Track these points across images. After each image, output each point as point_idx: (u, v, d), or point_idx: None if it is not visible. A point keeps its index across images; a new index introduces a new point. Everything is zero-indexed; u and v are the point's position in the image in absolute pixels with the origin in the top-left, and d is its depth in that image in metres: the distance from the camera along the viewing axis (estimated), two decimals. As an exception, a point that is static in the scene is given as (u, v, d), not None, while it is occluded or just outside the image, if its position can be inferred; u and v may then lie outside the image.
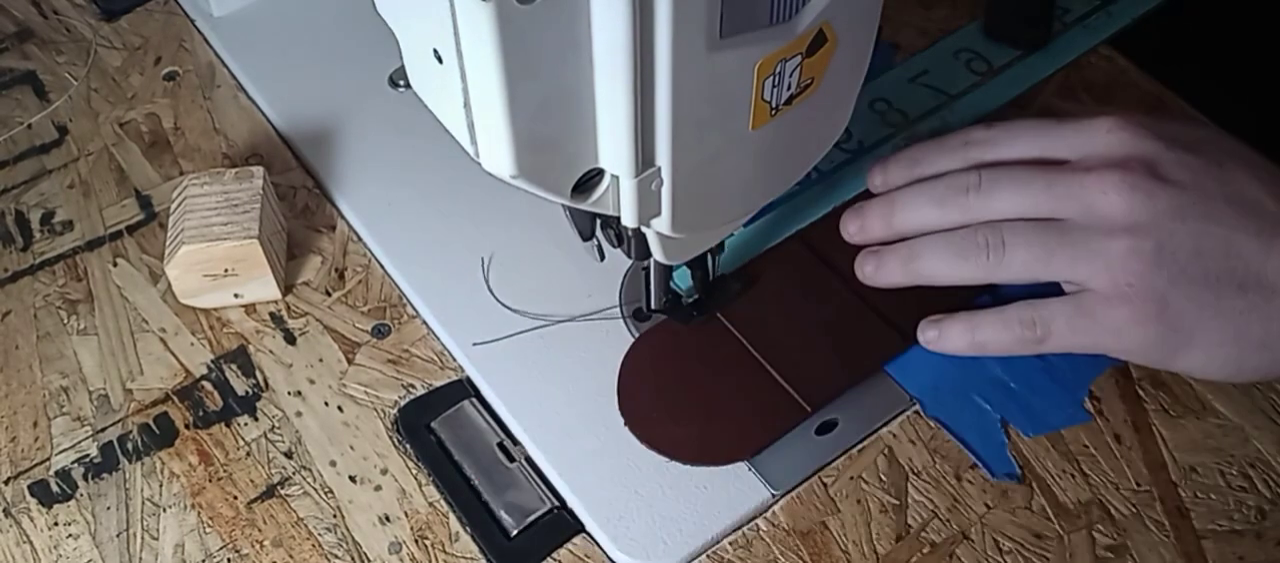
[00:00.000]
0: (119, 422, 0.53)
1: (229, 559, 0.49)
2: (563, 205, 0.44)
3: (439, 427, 0.52)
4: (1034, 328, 0.49)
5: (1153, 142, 0.49)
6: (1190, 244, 0.47)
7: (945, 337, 0.51)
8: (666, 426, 0.51)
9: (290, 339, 0.56)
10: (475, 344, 0.54)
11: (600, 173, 0.42)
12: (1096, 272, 0.48)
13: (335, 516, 0.50)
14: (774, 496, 0.50)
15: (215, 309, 0.56)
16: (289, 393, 0.54)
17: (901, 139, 0.60)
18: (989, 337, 0.50)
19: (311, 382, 0.54)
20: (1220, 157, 0.49)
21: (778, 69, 0.41)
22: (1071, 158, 0.50)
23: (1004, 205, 0.50)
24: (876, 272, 0.52)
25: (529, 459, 0.51)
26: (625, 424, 0.51)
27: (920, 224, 0.52)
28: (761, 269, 0.56)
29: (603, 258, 0.52)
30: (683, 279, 0.54)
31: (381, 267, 0.58)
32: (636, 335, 0.54)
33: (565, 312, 0.55)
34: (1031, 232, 0.49)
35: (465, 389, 0.54)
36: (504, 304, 0.55)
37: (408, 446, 0.52)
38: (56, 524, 0.50)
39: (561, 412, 0.52)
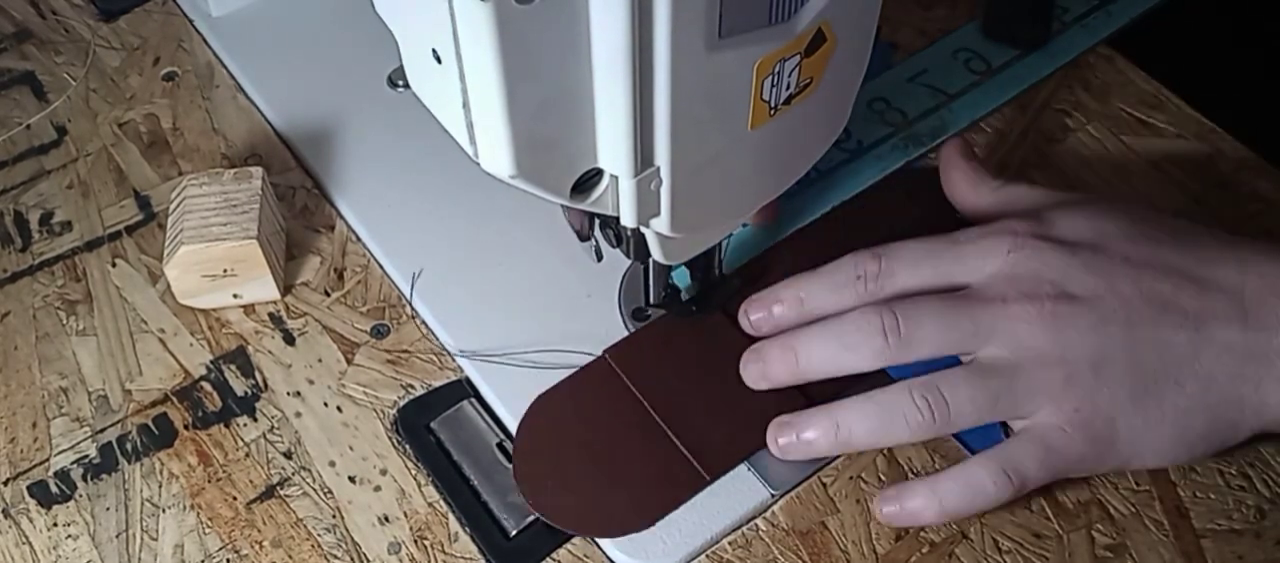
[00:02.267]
0: (118, 422, 0.53)
1: (228, 560, 0.49)
2: (561, 205, 0.44)
3: (438, 427, 0.52)
4: (1010, 480, 0.47)
5: (1054, 254, 0.48)
6: (1123, 356, 0.47)
7: (907, 511, 0.48)
8: (557, 493, 0.49)
9: (289, 340, 0.55)
10: (461, 353, 0.54)
11: (599, 173, 0.42)
12: (1041, 405, 0.47)
13: (334, 516, 0.50)
14: (773, 496, 0.50)
15: (214, 310, 0.56)
16: (288, 393, 0.54)
17: (900, 139, 0.60)
18: (958, 504, 0.48)
19: (311, 382, 0.54)
20: (1124, 251, 0.48)
21: (777, 69, 0.41)
22: (973, 281, 0.49)
23: (929, 348, 0.48)
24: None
25: (528, 460, 0.51)
26: (518, 490, 0.49)
27: (835, 370, 0.50)
28: (669, 331, 0.54)
29: (601, 258, 0.52)
30: (681, 277, 0.54)
31: (381, 267, 0.58)
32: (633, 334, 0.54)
33: (563, 311, 0.55)
34: (973, 376, 0.48)
35: (464, 389, 0.54)
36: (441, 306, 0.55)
37: (407, 446, 0.52)
38: (56, 525, 0.50)
39: (561, 412, 0.52)
